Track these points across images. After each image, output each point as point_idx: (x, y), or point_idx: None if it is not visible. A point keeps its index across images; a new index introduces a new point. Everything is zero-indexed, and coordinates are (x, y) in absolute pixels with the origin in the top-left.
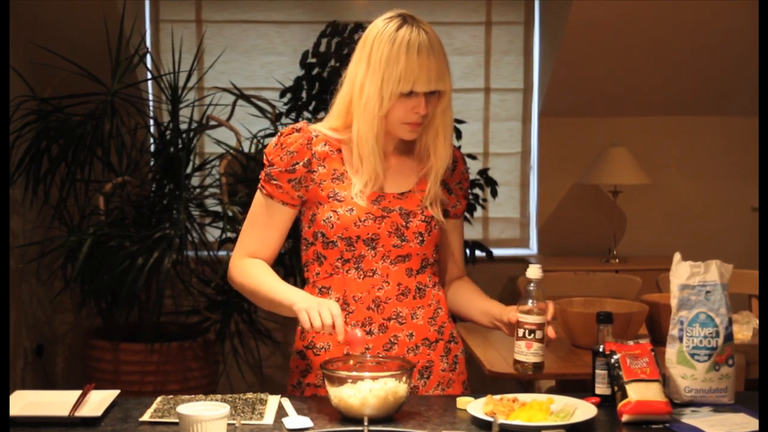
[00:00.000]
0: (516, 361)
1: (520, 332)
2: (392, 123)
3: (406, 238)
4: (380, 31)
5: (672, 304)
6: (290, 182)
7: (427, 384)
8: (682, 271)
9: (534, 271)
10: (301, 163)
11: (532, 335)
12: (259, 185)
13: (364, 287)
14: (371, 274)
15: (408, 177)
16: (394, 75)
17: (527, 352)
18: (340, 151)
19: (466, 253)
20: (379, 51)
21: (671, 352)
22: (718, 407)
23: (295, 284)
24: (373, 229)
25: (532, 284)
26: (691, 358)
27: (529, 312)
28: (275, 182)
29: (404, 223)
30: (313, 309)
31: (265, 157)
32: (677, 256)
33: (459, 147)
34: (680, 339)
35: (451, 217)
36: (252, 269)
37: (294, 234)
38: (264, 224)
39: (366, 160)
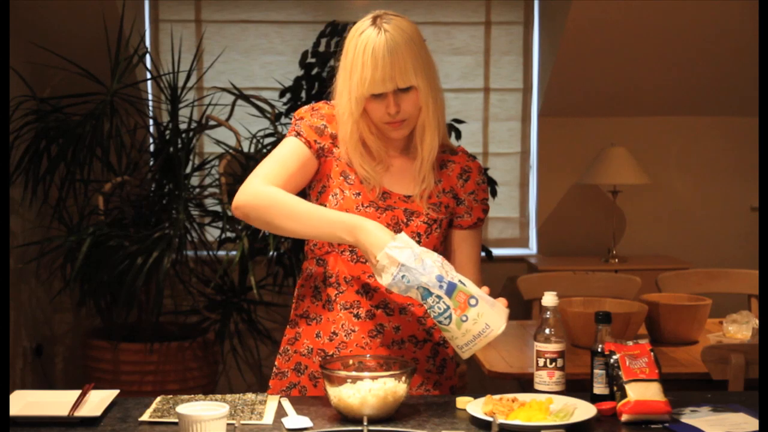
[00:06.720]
0: (538, 392)
1: (541, 362)
2: (377, 125)
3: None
4: (351, 35)
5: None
6: (316, 143)
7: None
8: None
9: (550, 299)
10: (329, 130)
11: (554, 364)
12: (291, 132)
13: (356, 271)
14: (364, 260)
15: (413, 180)
16: (357, 80)
17: (550, 381)
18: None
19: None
20: (348, 57)
21: None
22: (717, 406)
23: (293, 284)
24: (373, 217)
25: (548, 312)
26: (441, 325)
27: (547, 340)
28: (304, 135)
29: (405, 220)
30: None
31: (295, 117)
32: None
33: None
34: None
35: (455, 227)
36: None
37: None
38: (293, 165)
39: (355, 164)
